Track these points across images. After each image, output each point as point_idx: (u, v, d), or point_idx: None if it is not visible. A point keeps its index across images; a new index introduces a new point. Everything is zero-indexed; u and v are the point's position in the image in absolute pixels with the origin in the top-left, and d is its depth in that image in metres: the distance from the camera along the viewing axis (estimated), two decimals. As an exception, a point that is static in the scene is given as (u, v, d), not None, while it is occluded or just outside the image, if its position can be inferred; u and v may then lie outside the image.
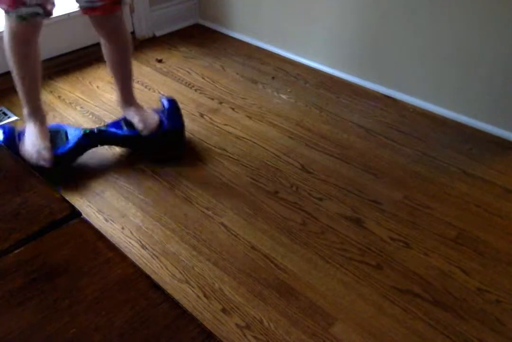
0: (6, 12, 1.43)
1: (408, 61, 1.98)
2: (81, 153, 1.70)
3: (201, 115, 2.00)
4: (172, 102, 1.77)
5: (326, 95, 2.11)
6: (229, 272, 1.36)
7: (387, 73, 2.08)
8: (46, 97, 2.12)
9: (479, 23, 1.72)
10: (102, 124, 1.94)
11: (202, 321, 1.24)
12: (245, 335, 1.20)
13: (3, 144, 1.55)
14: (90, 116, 1.99)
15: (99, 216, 1.54)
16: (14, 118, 1.98)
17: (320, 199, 1.59)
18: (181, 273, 1.36)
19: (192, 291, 1.31)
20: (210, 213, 1.55)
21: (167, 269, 1.37)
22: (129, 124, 1.72)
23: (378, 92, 2.11)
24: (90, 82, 2.22)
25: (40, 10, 1.42)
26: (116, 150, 1.81)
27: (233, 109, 2.03)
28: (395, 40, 1.98)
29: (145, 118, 1.70)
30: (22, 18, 1.42)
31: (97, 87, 2.19)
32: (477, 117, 1.88)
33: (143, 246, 1.44)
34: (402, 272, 1.36)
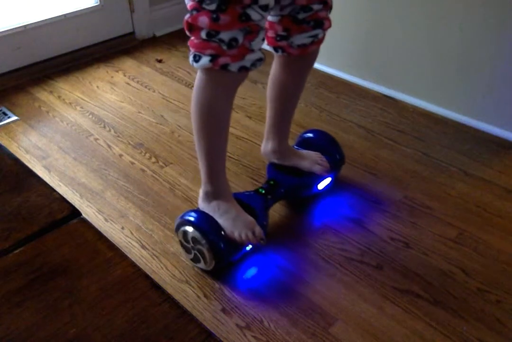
0: (223, 66, 1.09)
1: (408, 61, 1.98)
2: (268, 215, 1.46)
3: (201, 115, 1.99)
4: (326, 135, 1.62)
5: (326, 95, 2.11)
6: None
7: (387, 73, 2.08)
8: (46, 97, 2.12)
9: (479, 23, 1.72)
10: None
11: (202, 321, 1.24)
12: (245, 335, 1.20)
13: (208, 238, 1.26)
14: (90, 116, 1.99)
15: (99, 216, 1.54)
16: (14, 118, 1.98)
17: (320, 199, 1.59)
18: (181, 273, 1.36)
19: (192, 291, 1.31)
20: (210, 213, 1.55)
21: (167, 269, 1.37)
22: (288, 171, 1.51)
23: (378, 92, 2.11)
24: (90, 82, 2.22)
25: (262, 55, 1.14)
26: (117, 150, 1.81)
27: (233, 109, 2.02)
28: (395, 40, 1.98)
29: (314, 159, 1.51)
30: (244, 69, 1.11)
31: (97, 87, 2.19)
32: (477, 117, 1.88)
33: (143, 246, 1.44)
34: (402, 272, 1.36)
